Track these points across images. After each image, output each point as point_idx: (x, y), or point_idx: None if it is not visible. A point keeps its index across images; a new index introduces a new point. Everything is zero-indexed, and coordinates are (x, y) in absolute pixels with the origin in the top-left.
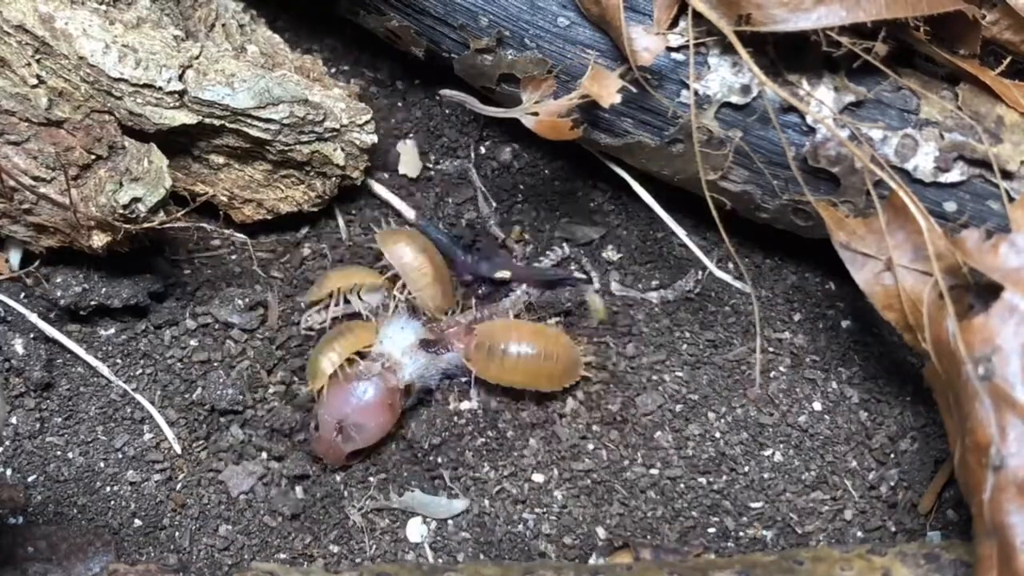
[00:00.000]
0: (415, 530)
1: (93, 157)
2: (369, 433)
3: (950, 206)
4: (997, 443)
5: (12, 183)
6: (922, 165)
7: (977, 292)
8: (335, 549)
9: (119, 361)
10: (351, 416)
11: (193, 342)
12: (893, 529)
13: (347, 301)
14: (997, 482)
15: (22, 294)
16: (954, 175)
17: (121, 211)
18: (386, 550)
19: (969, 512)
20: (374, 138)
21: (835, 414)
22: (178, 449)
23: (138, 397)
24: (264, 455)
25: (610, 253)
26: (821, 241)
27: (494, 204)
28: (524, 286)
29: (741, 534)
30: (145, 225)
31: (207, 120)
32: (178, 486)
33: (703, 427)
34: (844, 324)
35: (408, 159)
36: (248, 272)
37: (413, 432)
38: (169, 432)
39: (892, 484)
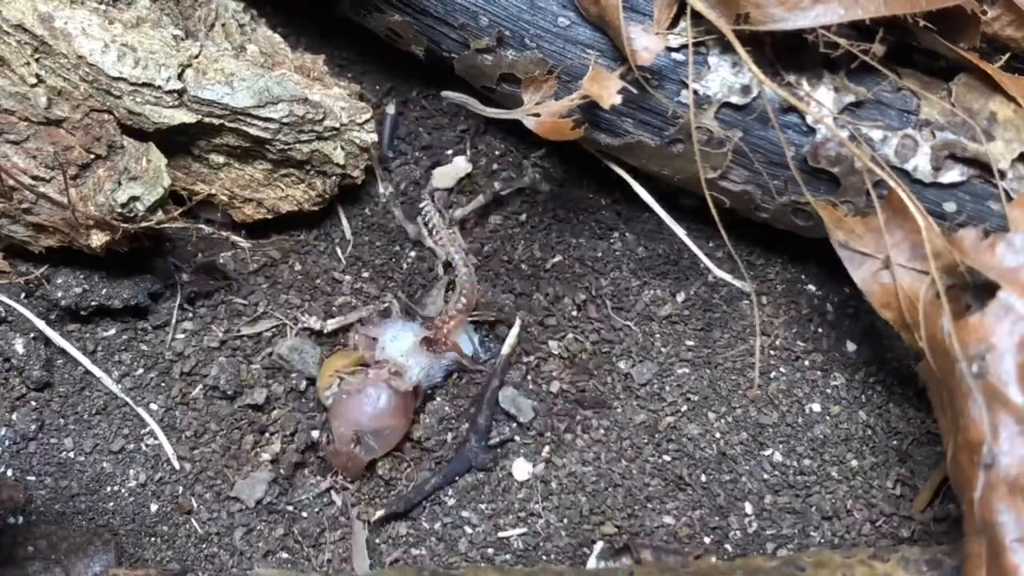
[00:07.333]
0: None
1: (92, 156)
2: (386, 439)
3: (950, 206)
4: (989, 441)
5: (11, 182)
6: (922, 165)
7: (975, 291)
8: (339, 552)
9: (120, 361)
10: (367, 425)
11: (194, 342)
12: (893, 531)
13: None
14: (988, 480)
15: (22, 294)
16: (954, 175)
17: (119, 210)
18: (394, 558)
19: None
20: (374, 136)
21: (834, 414)
22: (179, 450)
23: (139, 410)
24: (264, 455)
25: (610, 254)
26: (821, 241)
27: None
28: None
29: (742, 535)
30: (143, 224)
31: (206, 119)
32: (179, 486)
33: (703, 427)
34: (843, 324)
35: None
36: (248, 271)
37: (423, 432)
38: (163, 437)
39: (893, 484)
